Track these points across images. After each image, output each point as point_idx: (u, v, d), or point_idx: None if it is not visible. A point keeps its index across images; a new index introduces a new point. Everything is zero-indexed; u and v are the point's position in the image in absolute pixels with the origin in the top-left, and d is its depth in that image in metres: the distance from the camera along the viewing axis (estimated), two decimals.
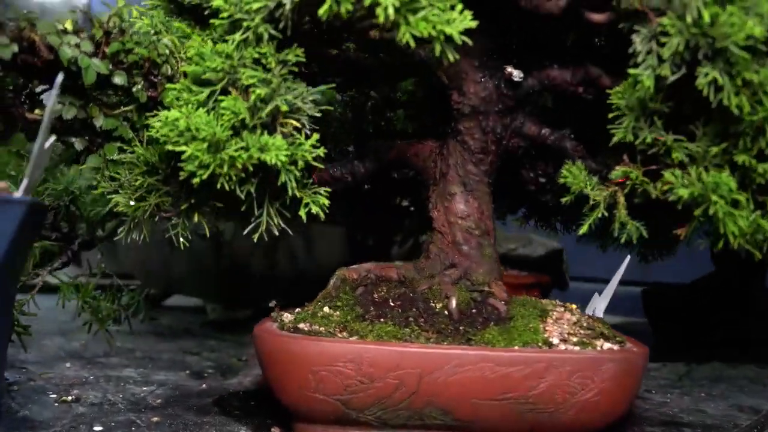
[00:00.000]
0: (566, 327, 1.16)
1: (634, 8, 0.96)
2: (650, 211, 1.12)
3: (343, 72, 1.41)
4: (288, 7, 0.92)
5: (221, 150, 0.93)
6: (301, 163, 0.98)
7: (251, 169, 0.95)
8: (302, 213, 1.03)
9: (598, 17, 1.05)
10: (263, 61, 0.96)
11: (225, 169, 0.94)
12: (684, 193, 0.95)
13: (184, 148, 0.92)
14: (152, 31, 1.00)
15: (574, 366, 1.04)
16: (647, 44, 0.93)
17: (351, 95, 1.52)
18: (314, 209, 1.03)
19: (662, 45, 0.91)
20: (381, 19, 0.85)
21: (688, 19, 0.87)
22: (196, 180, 0.94)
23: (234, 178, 0.96)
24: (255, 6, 0.93)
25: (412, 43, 0.88)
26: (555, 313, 1.20)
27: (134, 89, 0.98)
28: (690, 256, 1.56)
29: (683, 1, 0.88)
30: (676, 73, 0.92)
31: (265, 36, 0.95)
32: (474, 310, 1.18)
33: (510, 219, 1.72)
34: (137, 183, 1.03)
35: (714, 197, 0.93)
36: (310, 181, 1.04)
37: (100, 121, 0.99)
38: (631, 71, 0.94)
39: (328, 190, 1.05)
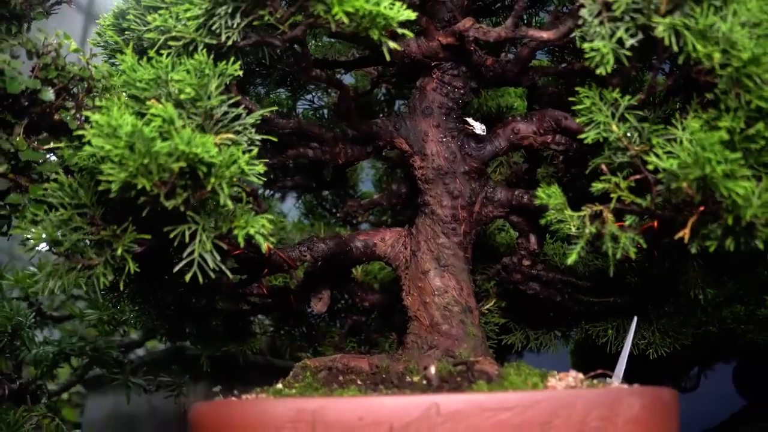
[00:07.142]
0: (572, 381, 0.93)
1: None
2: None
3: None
4: (223, 9, 0.89)
5: (143, 148, 0.83)
6: (234, 168, 0.87)
7: (176, 170, 0.84)
8: (240, 238, 0.89)
9: (546, 34, 1.02)
10: (198, 68, 0.91)
11: (151, 170, 0.83)
12: (672, 163, 0.83)
13: (100, 142, 0.82)
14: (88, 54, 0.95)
15: (588, 403, 0.82)
16: (597, 17, 0.88)
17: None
18: (251, 231, 0.89)
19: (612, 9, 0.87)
20: None
21: None
22: (114, 182, 0.82)
23: (160, 187, 0.85)
24: (188, 14, 0.91)
25: (345, 19, 0.84)
26: (557, 375, 0.98)
27: (64, 114, 0.91)
28: None
29: None
30: (635, 36, 0.86)
31: (200, 46, 0.92)
32: (459, 378, 0.96)
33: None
34: (58, 216, 0.90)
35: (706, 155, 0.80)
36: (250, 205, 0.92)
37: (26, 155, 0.90)
38: (586, 45, 0.88)
39: (270, 217, 0.92)
